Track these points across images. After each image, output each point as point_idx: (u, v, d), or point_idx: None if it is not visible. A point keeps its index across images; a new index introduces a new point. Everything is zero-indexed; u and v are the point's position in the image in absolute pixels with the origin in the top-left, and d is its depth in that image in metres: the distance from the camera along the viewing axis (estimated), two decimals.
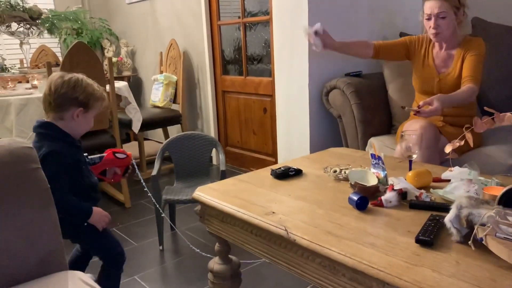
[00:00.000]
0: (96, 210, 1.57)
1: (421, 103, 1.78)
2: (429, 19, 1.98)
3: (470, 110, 2.11)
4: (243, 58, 3.46)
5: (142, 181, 2.12)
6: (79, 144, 1.61)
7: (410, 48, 2.19)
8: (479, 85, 1.95)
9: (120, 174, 1.75)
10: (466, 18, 2.03)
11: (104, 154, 1.71)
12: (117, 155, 1.70)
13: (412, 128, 1.96)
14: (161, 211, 2.25)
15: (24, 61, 3.44)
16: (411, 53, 2.20)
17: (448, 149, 1.55)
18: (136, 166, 1.89)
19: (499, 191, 1.12)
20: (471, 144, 1.53)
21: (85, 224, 1.56)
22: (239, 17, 3.43)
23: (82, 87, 1.53)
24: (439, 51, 2.11)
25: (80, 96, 1.52)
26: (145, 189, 2.08)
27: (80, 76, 1.56)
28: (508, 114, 1.40)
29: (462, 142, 1.53)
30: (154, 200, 2.22)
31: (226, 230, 1.43)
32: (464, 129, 1.53)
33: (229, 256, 1.58)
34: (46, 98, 1.54)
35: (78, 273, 1.23)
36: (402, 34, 2.90)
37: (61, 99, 1.51)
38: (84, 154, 1.67)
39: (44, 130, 1.53)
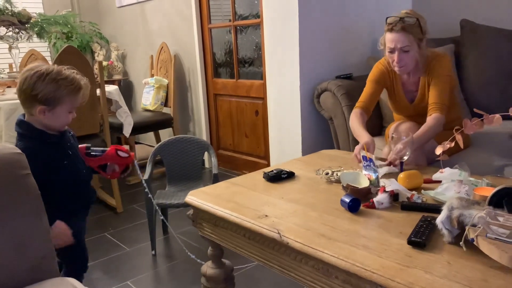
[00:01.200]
0: (59, 224, 1.45)
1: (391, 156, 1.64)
2: (392, 52, 1.86)
3: (454, 114, 2.09)
4: (235, 61, 3.47)
5: (143, 181, 2.04)
6: (57, 140, 1.50)
7: (384, 83, 2.07)
8: (445, 110, 1.86)
9: (118, 172, 1.70)
10: (427, 44, 1.91)
11: (107, 149, 1.67)
12: (119, 153, 1.66)
13: (399, 129, 1.97)
14: (159, 212, 2.24)
15: (13, 65, 3.41)
16: (385, 85, 2.08)
17: (438, 151, 1.56)
18: (138, 167, 1.84)
19: (489, 192, 1.13)
20: (461, 146, 1.55)
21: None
22: (230, 20, 3.43)
23: (43, 84, 1.39)
24: (406, 77, 2.01)
25: (40, 93, 1.39)
26: (146, 189, 2.02)
27: (50, 68, 1.42)
28: (497, 115, 1.42)
29: (453, 144, 1.54)
30: (154, 201, 2.20)
31: (219, 234, 1.43)
32: (454, 130, 1.54)
33: (222, 260, 1.57)
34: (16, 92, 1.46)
35: (70, 280, 1.22)
36: None
37: (23, 95, 1.42)
38: (87, 145, 1.62)
39: (20, 129, 1.46)
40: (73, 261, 1.58)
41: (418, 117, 1.99)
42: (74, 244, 1.52)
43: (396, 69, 1.90)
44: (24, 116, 1.48)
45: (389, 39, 1.84)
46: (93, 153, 1.64)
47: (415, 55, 1.85)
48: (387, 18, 1.86)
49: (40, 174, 1.34)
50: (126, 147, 2.38)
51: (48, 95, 1.40)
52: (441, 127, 1.85)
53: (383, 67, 2.04)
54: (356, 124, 1.96)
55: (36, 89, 1.39)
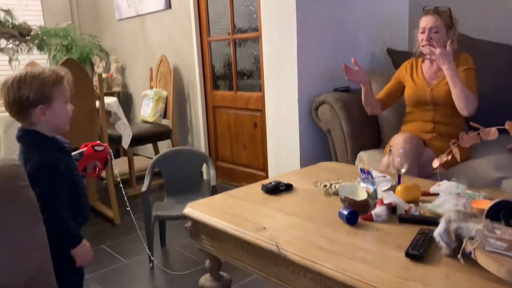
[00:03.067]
0: (86, 243, 1.41)
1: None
2: (423, 32, 2.10)
3: (460, 121, 2.16)
4: (233, 74, 3.49)
5: (117, 176, 1.97)
6: (68, 148, 1.47)
7: (402, 80, 2.31)
8: (477, 97, 2.04)
9: (101, 167, 1.65)
10: (456, 38, 2.14)
11: (84, 149, 1.62)
12: (96, 148, 1.61)
13: (396, 141, 1.99)
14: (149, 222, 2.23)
15: None
16: (403, 82, 2.31)
17: (435, 164, 1.57)
18: (112, 156, 1.78)
19: (486, 205, 1.14)
20: (458, 159, 1.56)
21: (63, 251, 1.37)
22: (229, 34, 3.46)
23: (27, 84, 1.34)
24: (430, 66, 2.22)
25: (30, 94, 1.34)
26: (121, 186, 1.96)
27: (23, 71, 1.37)
28: (493, 129, 1.43)
29: (449, 157, 1.55)
30: (125, 197, 2.20)
31: (217, 246, 1.43)
32: (451, 144, 1.55)
33: (220, 272, 1.57)
34: (7, 112, 1.40)
35: None
36: (389, 50, 2.96)
37: (15, 107, 1.36)
38: None
39: (29, 140, 1.39)
40: (71, 278, 1.48)
41: (435, 107, 2.13)
42: (75, 271, 1.44)
43: (424, 47, 2.09)
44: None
45: (423, 20, 2.11)
46: (74, 159, 1.58)
47: (443, 39, 2.07)
48: (424, 7, 2.15)
49: (63, 185, 1.33)
50: (120, 159, 2.36)
51: (38, 92, 1.35)
52: (470, 103, 1.99)
53: (406, 62, 2.32)
54: None
55: (24, 93, 1.34)
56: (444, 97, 2.09)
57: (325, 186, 1.60)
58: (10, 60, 3.23)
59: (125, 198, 1.98)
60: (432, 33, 2.08)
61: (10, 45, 3.17)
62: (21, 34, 3.16)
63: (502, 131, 1.46)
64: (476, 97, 2.03)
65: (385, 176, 1.66)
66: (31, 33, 3.22)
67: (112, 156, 1.76)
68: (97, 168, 1.66)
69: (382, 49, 3.00)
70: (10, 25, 3.13)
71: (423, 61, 2.26)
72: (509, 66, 2.49)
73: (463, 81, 2.03)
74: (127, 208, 2.02)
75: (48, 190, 1.29)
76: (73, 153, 1.59)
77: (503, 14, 2.76)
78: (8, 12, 3.16)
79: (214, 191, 2.21)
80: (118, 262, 2.39)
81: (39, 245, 1.21)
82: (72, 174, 1.44)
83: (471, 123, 1.58)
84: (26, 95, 1.34)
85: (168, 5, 3.87)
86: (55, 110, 1.39)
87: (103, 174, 3.51)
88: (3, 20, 3.10)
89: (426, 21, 2.10)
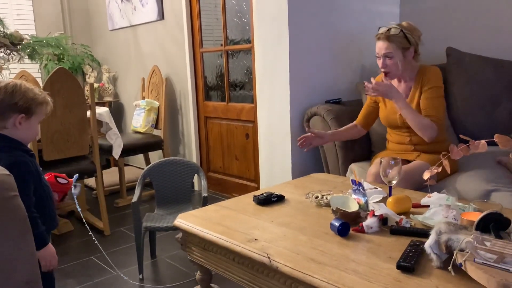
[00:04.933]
0: (51, 247, 1.46)
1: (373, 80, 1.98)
2: (378, 57, 2.07)
3: (441, 135, 2.14)
4: (226, 85, 3.50)
5: (77, 207, 1.92)
6: (32, 153, 1.52)
7: (376, 99, 2.24)
8: (440, 120, 2.00)
9: (58, 199, 1.66)
10: (419, 54, 2.09)
11: (47, 177, 1.62)
12: (59, 179, 1.64)
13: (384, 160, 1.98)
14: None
15: None
16: (377, 101, 2.25)
17: (426, 176, 1.58)
18: (75, 193, 1.74)
19: (476, 217, 1.14)
20: (448, 171, 1.57)
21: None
22: (221, 45, 3.48)
23: (21, 92, 1.44)
24: (398, 84, 2.16)
25: (19, 101, 1.43)
26: (78, 208, 1.88)
27: (18, 81, 1.48)
28: (482, 141, 1.44)
29: (440, 169, 1.56)
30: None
31: (208, 258, 1.42)
32: (441, 156, 1.57)
33: (211, 284, 1.55)
34: None
35: None
36: None
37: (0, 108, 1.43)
38: None
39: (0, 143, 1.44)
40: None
41: (409, 129, 2.08)
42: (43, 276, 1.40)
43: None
44: None
45: (376, 46, 2.07)
46: None
47: (400, 62, 2.03)
48: (379, 27, 2.10)
49: (34, 188, 1.37)
50: (111, 170, 2.33)
51: (28, 102, 1.44)
52: (429, 132, 1.95)
53: (379, 79, 2.20)
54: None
55: (15, 98, 1.42)
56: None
57: (317, 197, 1.61)
58: (1, 69, 3.21)
59: (78, 209, 1.85)
60: (386, 59, 2.02)
61: (1, 54, 3.15)
62: (12, 43, 3.15)
63: (492, 144, 1.47)
64: (438, 119, 1.98)
65: (376, 188, 1.67)
66: (23, 42, 3.21)
67: (74, 191, 1.73)
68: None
69: (372, 62, 3.03)
70: (2, 34, 3.12)
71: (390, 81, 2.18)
72: (497, 80, 2.53)
73: (425, 103, 2.01)
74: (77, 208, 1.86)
75: (19, 188, 1.25)
76: None
77: (491, 29, 2.81)
78: None
79: (205, 202, 2.20)
80: (108, 273, 2.35)
81: (28, 257, 1.19)
82: (39, 177, 1.49)
83: (461, 136, 1.60)
84: (16, 101, 1.43)
85: (161, 16, 3.88)
86: (30, 124, 1.48)
87: (93, 184, 3.47)
88: None
89: (378, 46, 2.05)
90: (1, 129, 1.45)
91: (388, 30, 2.03)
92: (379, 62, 2.07)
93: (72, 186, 1.70)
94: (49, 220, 1.52)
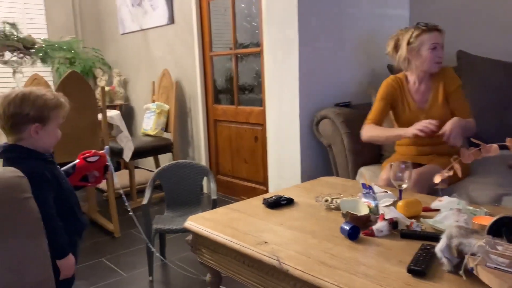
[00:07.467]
0: (70, 258, 1.42)
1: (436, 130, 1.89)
2: (435, 48, 2.04)
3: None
4: (235, 88, 3.51)
5: (120, 189, 1.91)
6: (52, 159, 1.49)
7: (392, 102, 2.19)
8: (471, 113, 2.06)
9: (100, 175, 1.65)
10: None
11: (76, 161, 1.61)
12: (88, 159, 1.60)
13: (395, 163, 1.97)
14: (150, 246, 2.22)
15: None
16: (393, 101, 2.19)
17: (437, 179, 1.57)
18: (111, 166, 1.72)
19: (488, 221, 1.14)
20: (460, 175, 1.56)
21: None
22: (231, 48, 3.49)
23: (31, 101, 1.39)
24: (417, 86, 2.14)
25: (30, 111, 1.39)
26: (126, 203, 1.91)
27: (28, 90, 1.43)
28: (494, 145, 1.43)
29: (451, 173, 1.55)
30: (130, 211, 2.19)
31: (218, 260, 1.42)
32: (452, 159, 1.56)
33: (221, 287, 1.56)
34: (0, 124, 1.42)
35: None
36: (389, 66, 2.98)
37: (12, 120, 1.39)
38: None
39: (11, 154, 1.41)
40: None
41: None
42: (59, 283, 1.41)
43: (434, 65, 2.05)
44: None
45: (432, 36, 2.03)
46: (67, 172, 1.58)
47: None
48: (418, 23, 2.09)
49: (51, 192, 1.35)
50: (121, 172, 2.33)
51: (40, 110, 1.40)
52: (473, 130, 1.99)
53: (391, 81, 2.19)
54: (380, 129, 2.14)
55: (25, 109, 1.38)
56: (439, 120, 1.97)
57: (326, 200, 1.60)
58: (14, 72, 3.26)
59: (129, 209, 1.94)
60: (442, 49, 2.05)
61: (15, 58, 3.20)
62: (25, 47, 3.20)
63: (503, 147, 1.46)
64: (473, 116, 2.04)
65: (386, 192, 1.66)
66: (35, 46, 3.26)
67: (110, 164, 1.70)
68: (97, 177, 1.65)
69: (382, 65, 3.03)
70: (15, 38, 3.17)
71: (406, 78, 2.18)
72: (509, 83, 2.51)
73: (460, 104, 2.05)
74: (130, 213, 1.93)
75: (38, 198, 1.27)
76: (66, 167, 1.60)
77: (502, 31, 2.79)
78: (13, 25, 3.21)
79: (215, 204, 2.21)
80: (117, 275, 2.37)
81: (41, 258, 1.21)
82: (59, 182, 1.46)
83: (472, 139, 1.59)
84: (27, 112, 1.39)
85: (172, 20, 3.91)
86: (48, 131, 1.45)
87: (104, 186, 3.51)
88: (8, 33, 3.14)
89: (435, 37, 2.03)
90: (16, 140, 1.42)
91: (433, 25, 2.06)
92: (435, 52, 2.03)
93: (108, 158, 1.66)
94: (78, 223, 1.51)
